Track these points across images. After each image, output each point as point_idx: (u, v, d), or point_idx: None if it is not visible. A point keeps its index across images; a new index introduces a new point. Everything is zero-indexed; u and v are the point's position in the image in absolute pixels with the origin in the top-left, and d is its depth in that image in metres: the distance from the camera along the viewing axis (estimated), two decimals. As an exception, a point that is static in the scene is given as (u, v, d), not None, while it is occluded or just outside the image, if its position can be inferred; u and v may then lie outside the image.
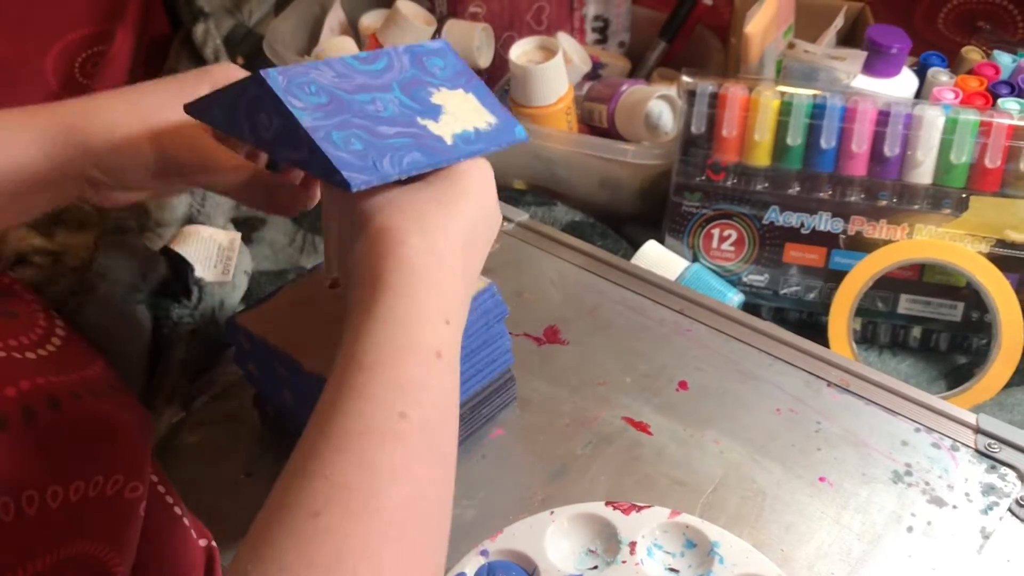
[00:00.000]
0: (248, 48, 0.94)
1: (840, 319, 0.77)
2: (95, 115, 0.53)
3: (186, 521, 0.54)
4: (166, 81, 0.55)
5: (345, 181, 0.44)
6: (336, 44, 0.92)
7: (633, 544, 0.54)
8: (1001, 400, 0.73)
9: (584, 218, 0.84)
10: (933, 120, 0.75)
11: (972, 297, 0.78)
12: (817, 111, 0.76)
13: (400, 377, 0.41)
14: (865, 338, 0.80)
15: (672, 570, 0.54)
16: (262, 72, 0.45)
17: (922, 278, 0.79)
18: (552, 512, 0.56)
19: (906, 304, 0.79)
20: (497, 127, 0.51)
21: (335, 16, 0.98)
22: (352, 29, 1.02)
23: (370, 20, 1.02)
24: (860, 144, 0.76)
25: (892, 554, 0.55)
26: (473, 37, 0.96)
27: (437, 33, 0.97)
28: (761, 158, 0.78)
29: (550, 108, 0.83)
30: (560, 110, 0.83)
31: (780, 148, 0.78)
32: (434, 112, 0.49)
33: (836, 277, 0.79)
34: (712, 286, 0.78)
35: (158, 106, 0.53)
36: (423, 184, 0.47)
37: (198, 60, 0.88)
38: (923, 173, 0.76)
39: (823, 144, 0.77)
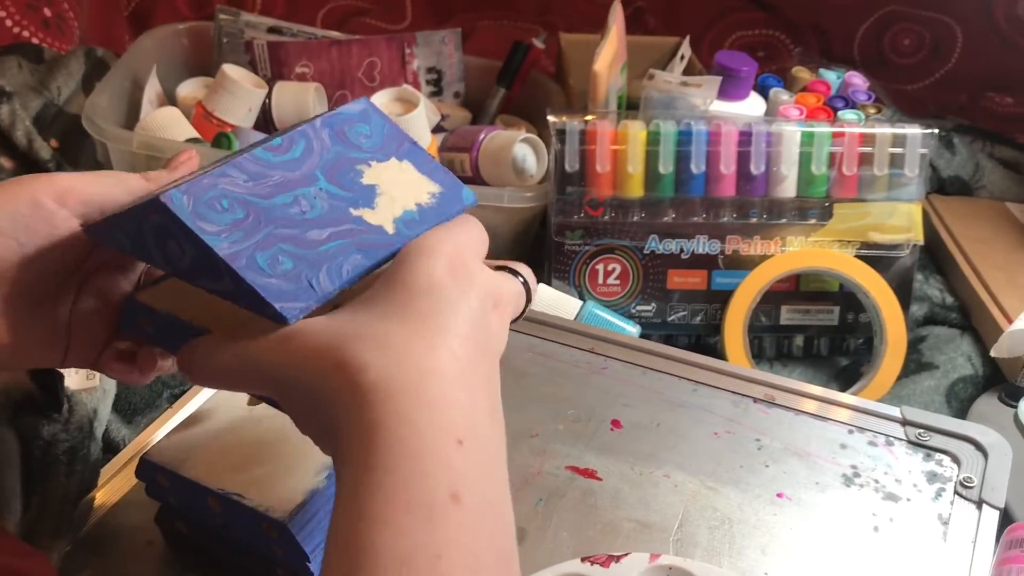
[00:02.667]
0: (61, 128, 0.84)
1: (735, 337, 0.78)
2: None
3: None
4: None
5: (279, 315, 0.38)
6: (162, 116, 0.84)
7: (623, 597, 0.51)
8: (896, 393, 0.76)
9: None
10: (791, 135, 0.78)
11: (845, 300, 0.81)
12: (683, 138, 0.78)
13: (405, 552, 0.34)
14: (753, 353, 0.82)
15: (666, 616, 0.51)
16: (162, 198, 0.38)
17: (799, 288, 0.81)
18: (528, 580, 0.52)
19: (787, 315, 0.82)
20: (442, 196, 0.46)
21: (152, 88, 0.91)
22: (170, 100, 0.94)
23: (188, 90, 0.95)
24: (728, 165, 0.78)
25: (869, 556, 0.55)
26: (307, 98, 0.92)
27: (268, 96, 0.91)
28: (635, 189, 0.78)
29: (417, 160, 0.79)
30: (427, 161, 0.80)
31: (652, 178, 0.78)
32: (368, 197, 0.43)
33: (719, 297, 0.80)
34: (610, 322, 0.76)
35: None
36: (372, 289, 0.40)
37: (6, 145, 0.78)
38: (788, 187, 0.79)
39: (693, 169, 0.78)
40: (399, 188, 0.45)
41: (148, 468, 0.52)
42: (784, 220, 0.80)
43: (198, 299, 0.43)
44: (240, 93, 0.88)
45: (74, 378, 0.63)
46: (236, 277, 0.38)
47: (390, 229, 0.43)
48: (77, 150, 0.85)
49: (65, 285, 0.47)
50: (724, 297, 0.80)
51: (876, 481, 0.60)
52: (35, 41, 0.95)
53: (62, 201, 0.44)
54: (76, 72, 0.89)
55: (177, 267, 0.41)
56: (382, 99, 0.79)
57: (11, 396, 0.57)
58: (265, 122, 0.91)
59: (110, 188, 0.45)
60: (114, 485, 0.60)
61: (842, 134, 0.78)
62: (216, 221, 0.39)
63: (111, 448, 0.64)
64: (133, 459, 0.62)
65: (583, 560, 0.54)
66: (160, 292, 0.46)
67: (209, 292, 0.40)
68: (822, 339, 0.83)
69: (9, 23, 0.93)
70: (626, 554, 0.54)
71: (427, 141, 0.81)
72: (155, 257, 0.41)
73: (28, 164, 0.80)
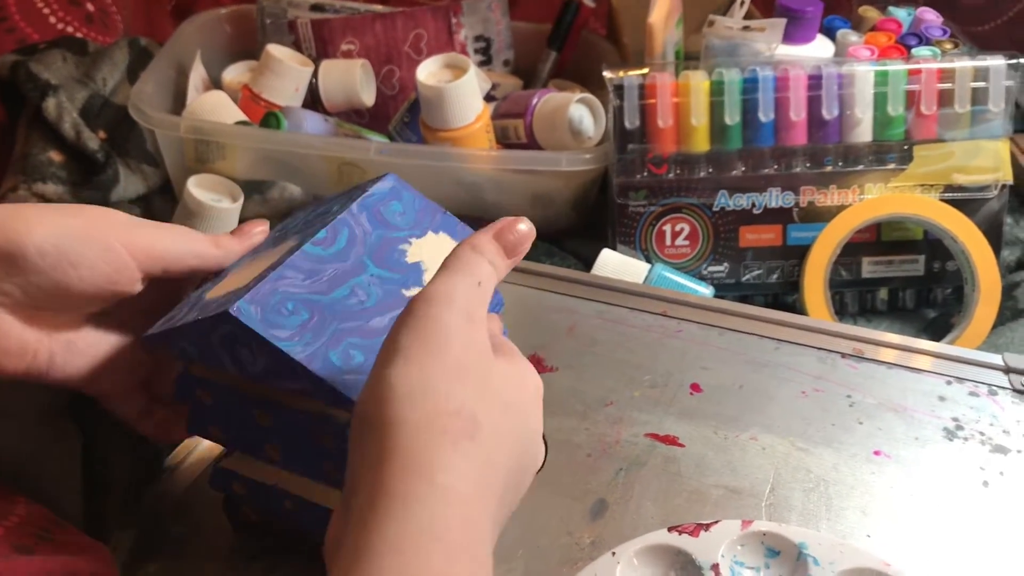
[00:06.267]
0: (107, 119, 0.83)
1: (816, 293, 0.74)
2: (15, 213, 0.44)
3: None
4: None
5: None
6: (209, 100, 0.83)
7: (716, 567, 0.48)
8: (992, 342, 0.71)
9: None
10: (864, 76, 0.73)
11: (931, 248, 0.77)
12: (749, 85, 0.73)
13: None
14: (835, 310, 0.78)
15: (764, 585, 0.48)
16: (232, 311, 0.39)
17: (880, 238, 0.77)
18: (614, 553, 0.49)
19: (868, 267, 0.77)
20: None
21: (197, 74, 0.89)
22: (215, 86, 0.93)
23: (233, 74, 0.94)
24: (798, 112, 0.73)
25: (979, 512, 0.51)
26: (354, 76, 0.89)
27: (314, 76, 0.89)
28: (700, 143, 0.75)
29: (470, 128, 0.76)
30: (480, 129, 0.77)
31: (718, 130, 0.74)
32: (416, 276, 0.45)
33: (796, 253, 0.76)
34: (682, 284, 0.73)
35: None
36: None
37: (54, 138, 0.77)
38: (863, 131, 0.74)
39: (761, 118, 0.74)
40: (440, 261, 0.46)
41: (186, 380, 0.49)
42: (861, 167, 0.75)
43: None
44: (286, 73, 0.86)
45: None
46: (315, 378, 0.39)
47: None
48: (125, 140, 0.84)
49: (106, 327, 0.48)
50: (801, 252, 0.76)
51: (981, 433, 0.55)
52: (79, 36, 0.94)
53: (131, 252, 0.45)
54: (120, 62, 0.87)
55: (249, 371, 0.42)
56: (430, 67, 0.77)
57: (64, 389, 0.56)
58: (313, 101, 0.89)
59: (179, 248, 0.47)
60: (178, 474, 0.59)
61: (919, 71, 0.73)
62: (286, 325, 0.40)
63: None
64: (195, 449, 0.60)
65: (670, 530, 0.50)
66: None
67: (283, 391, 0.42)
68: (907, 291, 0.78)
69: (53, 19, 0.92)
70: (716, 522, 0.50)
71: (479, 108, 0.78)
72: (224, 362, 0.43)
73: (77, 156, 0.79)
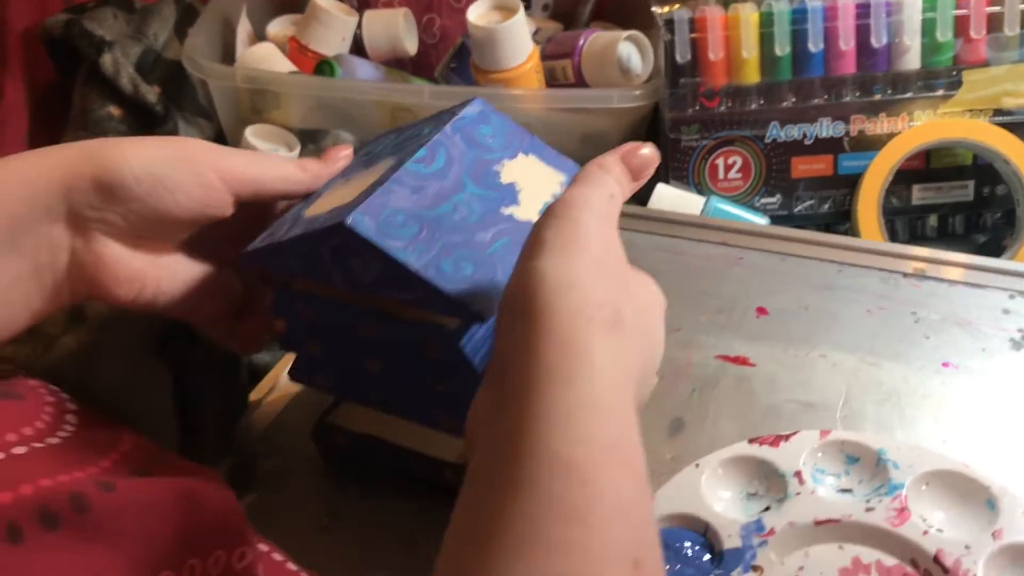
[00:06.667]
0: (161, 74, 0.84)
1: (869, 220, 0.75)
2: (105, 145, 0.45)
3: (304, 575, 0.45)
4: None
5: (477, 314, 0.41)
6: (259, 52, 0.84)
7: (798, 474, 0.50)
8: (1047, 262, 0.72)
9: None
10: (913, 2, 0.74)
11: (980, 173, 0.77)
12: (798, 16, 0.74)
13: (623, 501, 0.31)
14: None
15: (844, 490, 0.50)
16: (347, 222, 0.40)
17: (929, 164, 0.78)
18: (697, 464, 0.51)
19: (918, 194, 0.78)
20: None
21: (243, 29, 0.90)
22: (260, 40, 0.93)
23: (277, 28, 0.94)
24: (847, 40, 0.74)
25: (1053, 418, 0.52)
26: (397, 25, 0.90)
27: (358, 27, 0.90)
28: (751, 75, 0.75)
29: (521, 68, 0.77)
30: (531, 69, 0.78)
31: (768, 61, 0.75)
32: (512, 195, 0.46)
33: (847, 183, 0.77)
34: (738, 215, 0.74)
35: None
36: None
37: (112, 94, 0.78)
38: (912, 58, 0.75)
39: (811, 48, 0.74)
40: (533, 182, 0.48)
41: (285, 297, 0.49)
42: (910, 94, 0.76)
43: None
44: (333, 23, 0.87)
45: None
46: (429, 287, 0.40)
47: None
48: (179, 95, 0.85)
49: (204, 240, 0.49)
50: (852, 181, 0.77)
51: (1048, 343, 0.57)
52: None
53: (222, 177, 0.46)
54: (169, 18, 0.88)
55: (358, 283, 0.43)
56: (480, 9, 0.77)
57: (155, 328, 0.58)
58: (358, 51, 0.90)
59: (267, 173, 0.48)
60: (264, 407, 0.61)
61: (968, -2, 0.74)
62: (399, 236, 0.41)
63: (253, 373, 0.65)
64: (279, 383, 0.62)
65: (750, 442, 0.52)
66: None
67: (396, 301, 0.43)
68: (957, 217, 0.79)
69: (97, -21, 0.93)
70: (794, 433, 0.52)
71: (529, 48, 0.78)
72: (333, 275, 0.44)
73: (135, 110, 0.80)
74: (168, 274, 0.48)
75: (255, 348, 0.54)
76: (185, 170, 0.45)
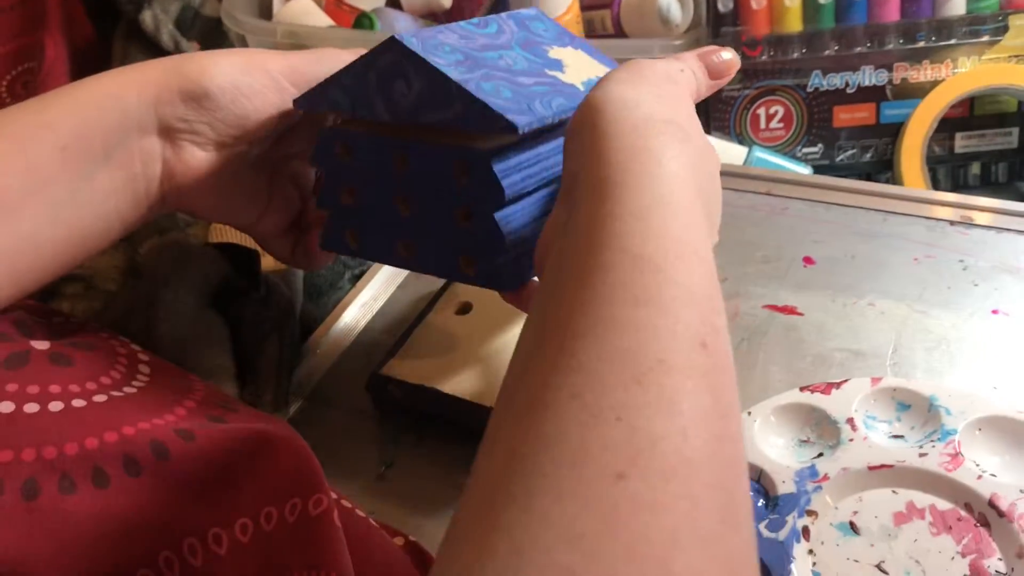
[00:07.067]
0: (200, 31, 0.84)
1: (913, 169, 0.74)
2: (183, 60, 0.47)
3: (373, 522, 0.46)
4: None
5: (511, 124, 0.41)
6: (296, 7, 0.84)
7: (851, 421, 0.50)
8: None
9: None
10: (959, -54, 0.73)
11: (1024, 120, 0.77)
12: (842, -38, 0.73)
13: (693, 287, 0.31)
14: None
15: (896, 436, 0.50)
16: (397, 36, 0.42)
17: (972, 112, 0.77)
18: (749, 412, 0.52)
19: (961, 142, 0.78)
20: None
21: (279, -17, 0.90)
22: (296, -4, 0.93)
23: (313, -17, 0.94)
24: (892, -13, 0.73)
25: (1105, 363, 0.53)
26: (432, -23, 0.90)
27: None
28: (794, 23, 0.75)
29: (561, 19, 0.77)
30: (572, 19, 0.78)
31: (811, 9, 0.74)
32: (557, 65, 0.48)
33: (890, 131, 0.77)
34: (781, 165, 0.74)
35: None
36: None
37: (152, 50, 0.79)
38: (957, 4, 0.74)
39: (854, -6, 0.74)
40: (579, 65, 0.50)
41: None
42: (954, 40, 0.75)
43: None
44: (369, -25, 0.86)
45: (266, 260, 0.64)
46: (469, 98, 0.41)
47: (581, 88, 0.47)
48: (217, 47, 0.85)
49: (271, 154, 0.51)
50: (895, 130, 0.76)
51: (1099, 290, 0.57)
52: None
53: (290, 78, 0.48)
54: (206, -26, 0.88)
55: (399, 107, 0.44)
56: (518, -43, 0.77)
57: (211, 281, 0.59)
58: (393, 5, 0.90)
59: (330, 67, 0.48)
60: (316, 361, 0.62)
61: (1016, -61, 0.73)
62: (444, 58, 0.43)
63: (304, 326, 0.65)
64: (327, 335, 0.63)
65: (802, 390, 0.53)
66: None
67: (433, 130, 0.44)
68: (1000, 164, 0.79)
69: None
70: (845, 380, 0.52)
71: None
72: (375, 104, 0.45)
73: (176, 68, 0.80)
74: (246, 186, 0.50)
75: (315, 264, 0.55)
76: (258, 75, 0.47)
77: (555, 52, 0.48)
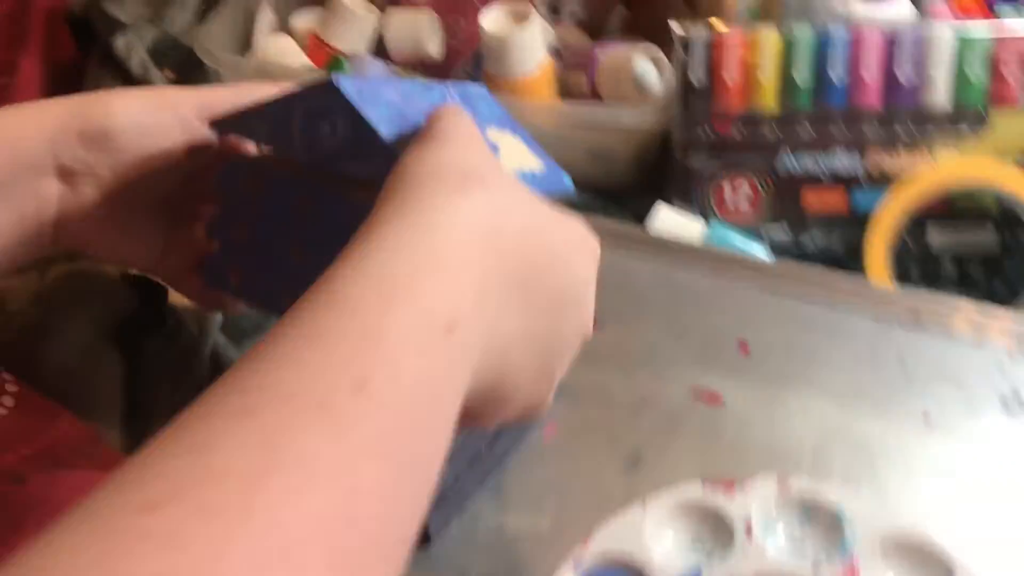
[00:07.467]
0: (176, 59, 0.84)
1: (879, 261, 0.71)
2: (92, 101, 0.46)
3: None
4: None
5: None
6: (275, 45, 0.83)
7: (748, 524, 0.47)
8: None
9: (583, 195, 0.76)
10: (944, 39, 0.70)
11: (1004, 219, 0.73)
12: (822, 44, 0.71)
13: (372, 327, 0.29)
14: (897, 279, 0.75)
15: (795, 547, 0.47)
16: (334, 79, 0.40)
17: (950, 207, 0.74)
18: (644, 504, 0.49)
19: (936, 237, 0.74)
20: (545, 175, 0.48)
21: (265, 18, 0.89)
22: (283, 31, 0.93)
23: (303, 21, 0.94)
24: (872, 74, 0.71)
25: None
26: (420, 26, 0.89)
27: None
28: (768, 102, 0.72)
29: (533, 78, 0.75)
30: (543, 79, 0.76)
31: (787, 89, 0.72)
32: (492, 148, 0.46)
33: (860, 220, 0.74)
34: (738, 246, 0.71)
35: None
36: None
37: (123, 76, 0.79)
38: (939, 96, 0.71)
39: (833, 78, 0.71)
40: (514, 153, 0.47)
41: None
42: (934, 132, 0.72)
43: None
44: (351, 19, 0.86)
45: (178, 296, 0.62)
46: (393, 157, 0.38)
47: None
48: (195, 81, 0.85)
49: (179, 193, 0.49)
50: (866, 218, 0.73)
51: (1041, 407, 0.53)
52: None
53: (203, 115, 0.46)
54: (190, 3, 0.88)
55: (318, 150, 0.42)
56: (494, 14, 0.76)
57: (115, 314, 0.57)
58: (380, 51, 0.89)
59: (246, 100, 0.47)
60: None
61: (1003, 37, 0.70)
62: (378, 112, 0.41)
63: (221, 371, 0.64)
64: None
65: (705, 483, 0.49)
66: None
67: (345, 181, 0.43)
68: (976, 263, 0.75)
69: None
70: (751, 478, 0.49)
71: (540, 57, 0.76)
72: (294, 141, 0.43)
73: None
74: (147, 227, 0.48)
75: (226, 307, 0.54)
76: (165, 114, 0.46)
77: (493, 134, 0.47)
